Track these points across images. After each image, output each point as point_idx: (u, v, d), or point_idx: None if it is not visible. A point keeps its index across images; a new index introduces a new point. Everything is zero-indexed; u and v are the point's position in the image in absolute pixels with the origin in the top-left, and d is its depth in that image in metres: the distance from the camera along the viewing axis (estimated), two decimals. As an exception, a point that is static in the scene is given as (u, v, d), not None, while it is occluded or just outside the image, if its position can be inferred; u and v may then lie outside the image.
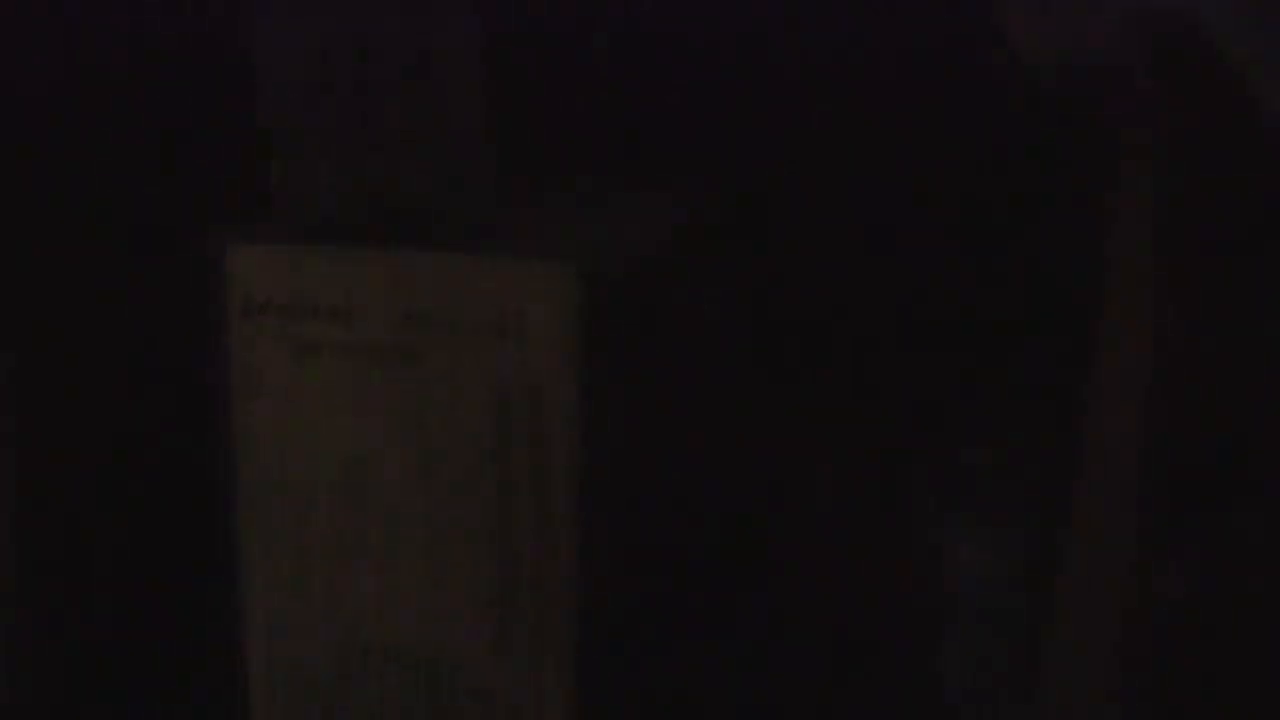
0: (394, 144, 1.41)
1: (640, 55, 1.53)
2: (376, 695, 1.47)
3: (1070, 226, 1.44)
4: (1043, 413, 1.45)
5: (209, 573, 1.47)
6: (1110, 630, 1.39)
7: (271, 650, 1.48)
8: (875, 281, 1.50)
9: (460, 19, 1.41)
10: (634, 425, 1.43)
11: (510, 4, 1.49)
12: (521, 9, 1.51)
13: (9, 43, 1.36)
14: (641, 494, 1.46)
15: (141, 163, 1.42)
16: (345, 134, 1.39)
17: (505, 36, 1.44)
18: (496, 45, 1.41)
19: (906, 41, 1.50)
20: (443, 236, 1.40)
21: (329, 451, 1.43)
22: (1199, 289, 1.39)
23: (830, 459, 1.51)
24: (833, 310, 1.49)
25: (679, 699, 1.51)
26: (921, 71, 1.50)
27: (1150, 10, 1.39)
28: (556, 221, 1.49)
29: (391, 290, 1.38)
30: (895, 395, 1.50)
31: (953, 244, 1.50)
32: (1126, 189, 1.39)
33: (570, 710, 1.43)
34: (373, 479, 1.42)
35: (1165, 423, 1.37)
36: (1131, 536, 1.38)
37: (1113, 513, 1.38)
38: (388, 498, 1.43)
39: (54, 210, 1.37)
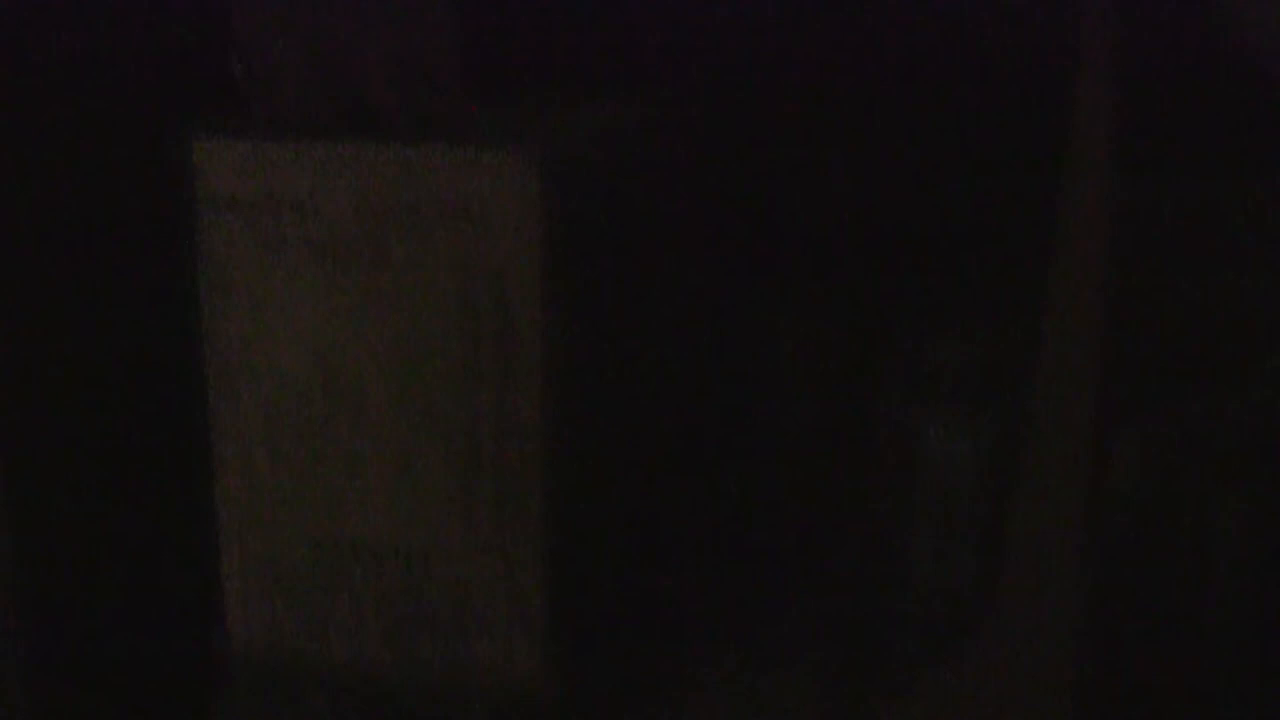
0: (360, 41, 1.42)
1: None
2: (349, 589, 1.48)
3: (1034, 128, 1.46)
4: (1007, 307, 1.46)
5: (183, 471, 1.48)
6: (1069, 517, 1.41)
7: (245, 547, 1.50)
8: (843, 172, 1.51)
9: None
10: (598, 312, 1.45)
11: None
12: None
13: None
14: (606, 380, 1.48)
15: (107, 58, 1.43)
16: (311, 31, 1.40)
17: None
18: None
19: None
20: (406, 129, 1.41)
21: (298, 345, 1.44)
22: (1157, 188, 1.41)
23: (799, 348, 1.53)
24: (800, 201, 1.50)
25: (649, 584, 1.53)
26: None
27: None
28: (517, 115, 1.51)
29: (355, 182, 1.39)
30: (863, 288, 1.52)
31: (920, 143, 1.51)
32: (1087, 90, 1.41)
33: (543, 598, 1.44)
34: (342, 373, 1.44)
35: (1122, 316, 1.40)
36: (1089, 427, 1.40)
37: (1071, 403, 1.40)
38: (357, 391, 1.44)
39: (18, 103, 1.37)
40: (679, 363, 1.53)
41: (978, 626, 1.45)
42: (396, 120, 1.42)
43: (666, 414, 1.53)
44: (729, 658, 1.53)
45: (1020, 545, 1.42)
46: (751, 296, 1.52)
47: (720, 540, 1.54)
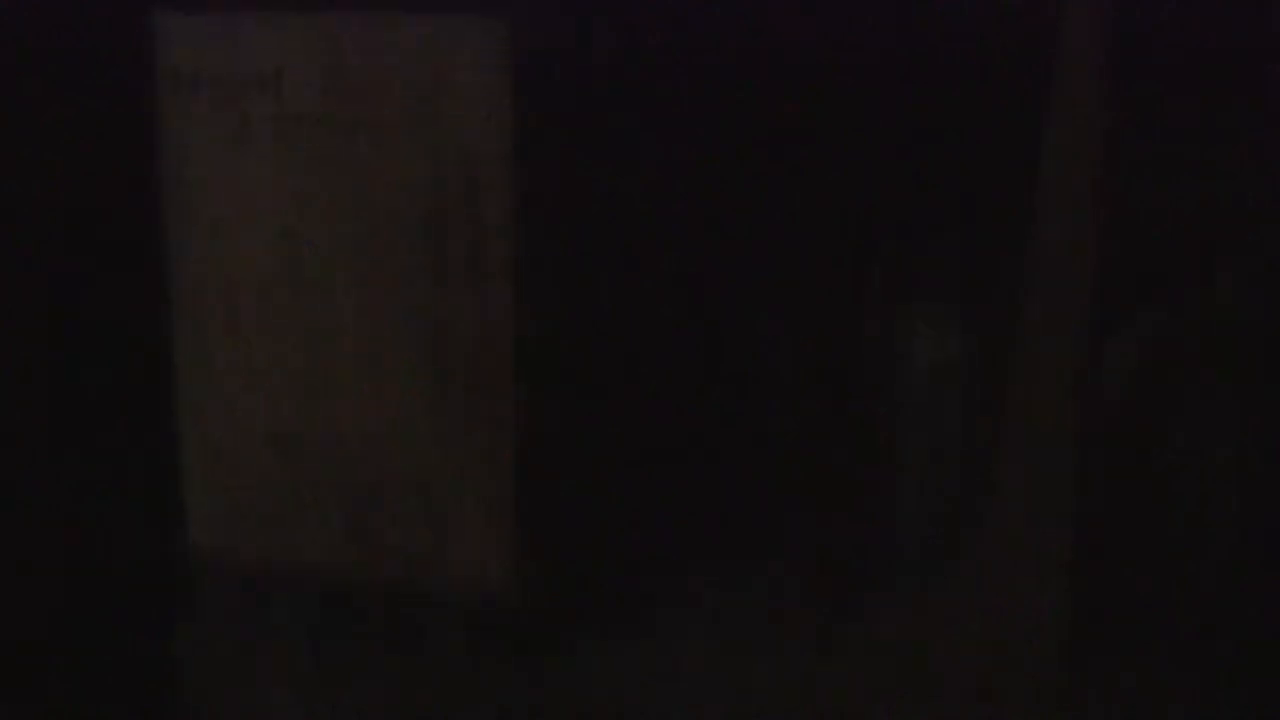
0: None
1: None
2: (310, 482, 1.43)
3: (1024, 23, 1.41)
4: (997, 202, 1.41)
5: (141, 363, 1.44)
6: (1064, 406, 1.36)
7: (205, 442, 1.45)
8: (828, 61, 1.45)
9: None
10: (570, 191, 1.39)
11: None
12: None
13: None
14: (581, 265, 1.42)
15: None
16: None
17: None
18: None
19: None
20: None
21: (262, 227, 1.39)
22: (1150, 80, 1.36)
23: (779, 240, 1.47)
24: (783, 87, 1.45)
25: (626, 487, 1.47)
26: None
27: None
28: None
29: (322, 55, 1.34)
30: (848, 182, 1.46)
31: (908, 34, 1.45)
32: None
33: (515, 499, 1.39)
34: (307, 256, 1.39)
35: (1115, 210, 1.34)
36: (1085, 311, 1.34)
37: (1063, 300, 1.34)
38: (323, 276, 1.39)
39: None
40: (656, 248, 1.46)
41: (968, 533, 1.40)
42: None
43: (645, 304, 1.47)
44: (708, 565, 1.48)
45: (1011, 448, 1.36)
46: (732, 180, 1.46)
47: (700, 445, 1.49)
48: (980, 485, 1.40)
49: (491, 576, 1.40)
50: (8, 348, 1.42)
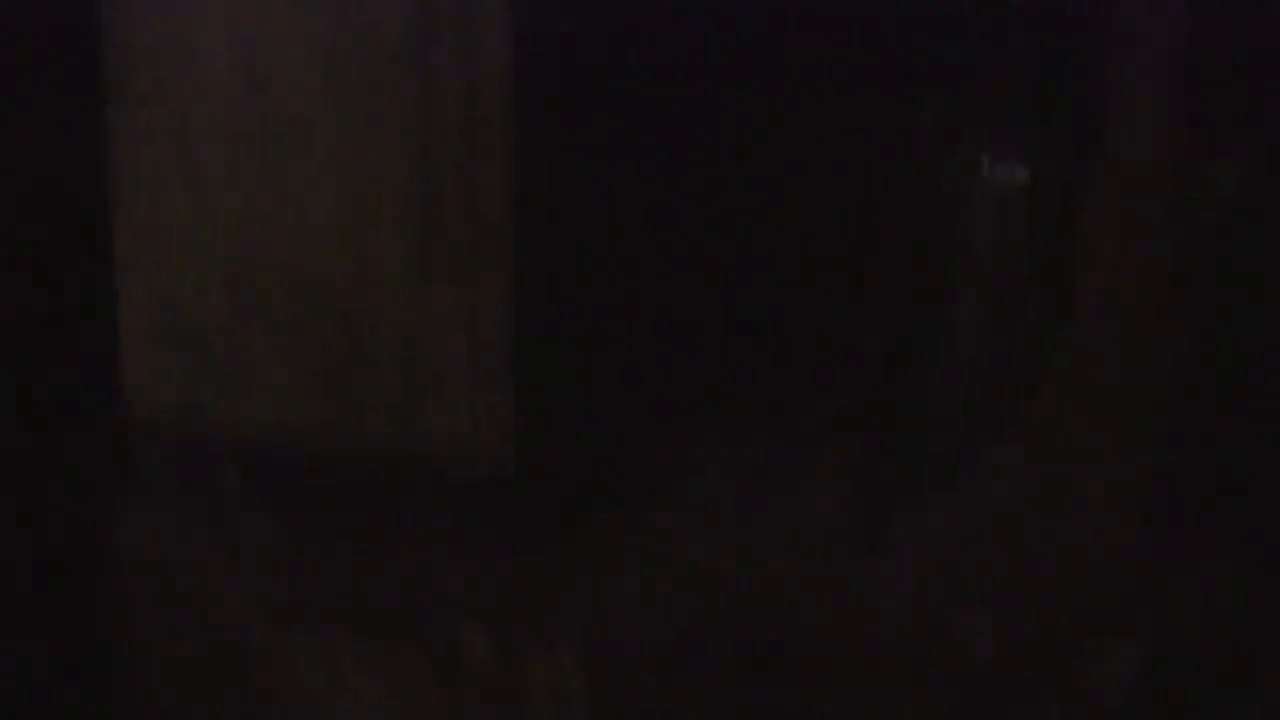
0: None
1: None
2: (277, 344, 1.31)
3: None
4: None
5: (75, 199, 1.30)
6: (1148, 265, 1.27)
7: (149, 292, 1.31)
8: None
9: None
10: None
11: None
12: None
13: None
14: (592, 102, 1.28)
15: None
16: None
17: None
18: None
19: None
20: None
21: (219, 46, 1.25)
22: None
23: (812, 59, 1.32)
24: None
25: (639, 351, 1.34)
26: None
27: None
28: None
29: None
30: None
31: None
32: None
33: (512, 364, 1.28)
34: (272, 74, 1.25)
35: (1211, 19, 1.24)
36: (1180, 126, 1.25)
37: (1161, 102, 1.25)
38: (291, 100, 1.25)
39: None
40: (675, 83, 1.31)
41: (1033, 402, 1.30)
42: None
43: (661, 146, 1.32)
44: (731, 445, 1.36)
45: (1089, 301, 1.27)
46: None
47: (726, 300, 1.35)
48: (1057, 335, 1.30)
49: (484, 449, 1.30)
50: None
